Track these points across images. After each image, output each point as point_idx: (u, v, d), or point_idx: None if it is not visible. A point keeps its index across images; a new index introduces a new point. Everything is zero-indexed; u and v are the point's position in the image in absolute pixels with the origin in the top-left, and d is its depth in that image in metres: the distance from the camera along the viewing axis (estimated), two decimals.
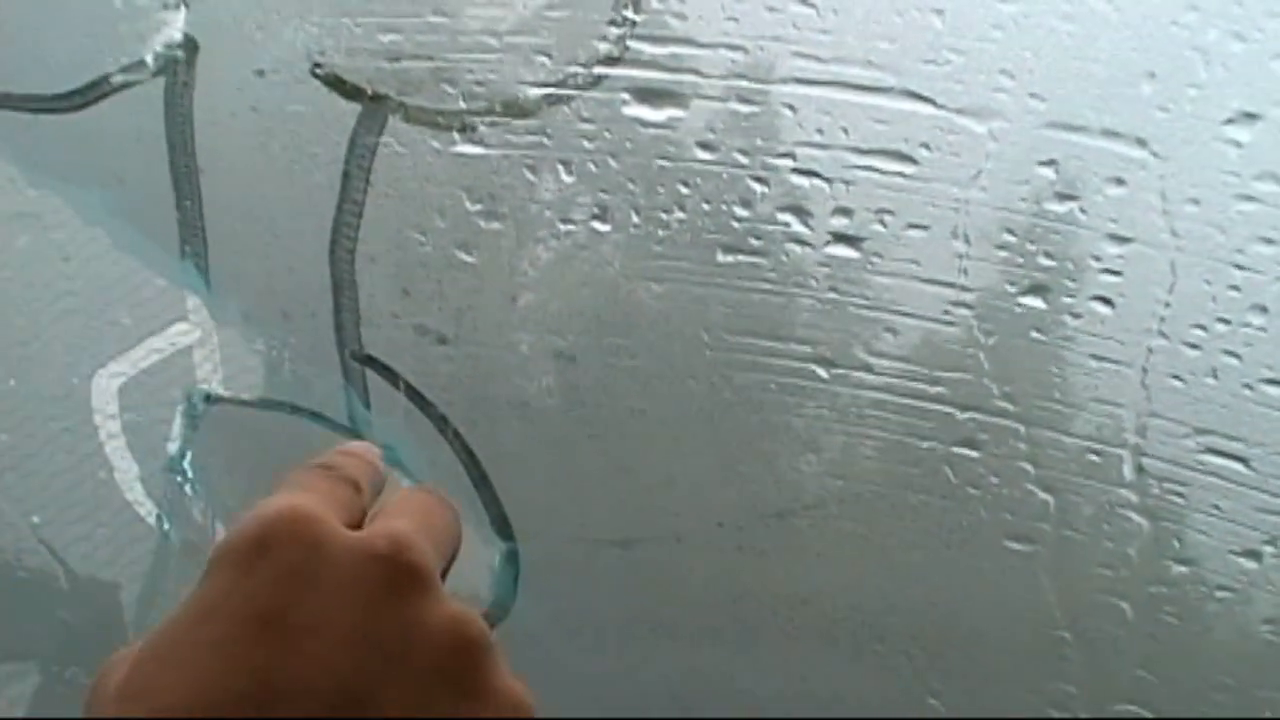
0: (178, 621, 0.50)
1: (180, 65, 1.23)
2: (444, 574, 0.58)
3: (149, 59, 1.24)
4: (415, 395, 1.29)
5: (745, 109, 1.13)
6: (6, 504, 1.39)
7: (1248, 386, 1.12)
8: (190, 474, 1.38)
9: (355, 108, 1.21)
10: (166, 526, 1.38)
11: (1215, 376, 1.12)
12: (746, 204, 1.15)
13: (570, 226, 1.20)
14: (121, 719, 0.47)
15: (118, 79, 1.25)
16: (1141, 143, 1.07)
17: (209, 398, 1.35)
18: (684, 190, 1.16)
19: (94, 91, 1.26)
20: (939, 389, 1.18)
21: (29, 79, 1.28)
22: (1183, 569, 1.18)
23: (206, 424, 1.36)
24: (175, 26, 1.23)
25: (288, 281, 1.29)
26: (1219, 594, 1.18)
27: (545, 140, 1.17)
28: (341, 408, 1.32)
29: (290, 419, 1.34)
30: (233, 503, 1.38)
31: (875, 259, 1.15)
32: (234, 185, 1.28)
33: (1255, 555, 1.16)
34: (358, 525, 0.57)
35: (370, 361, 1.29)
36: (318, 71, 1.20)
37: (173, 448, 1.37)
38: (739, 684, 1.33)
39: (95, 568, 1.41)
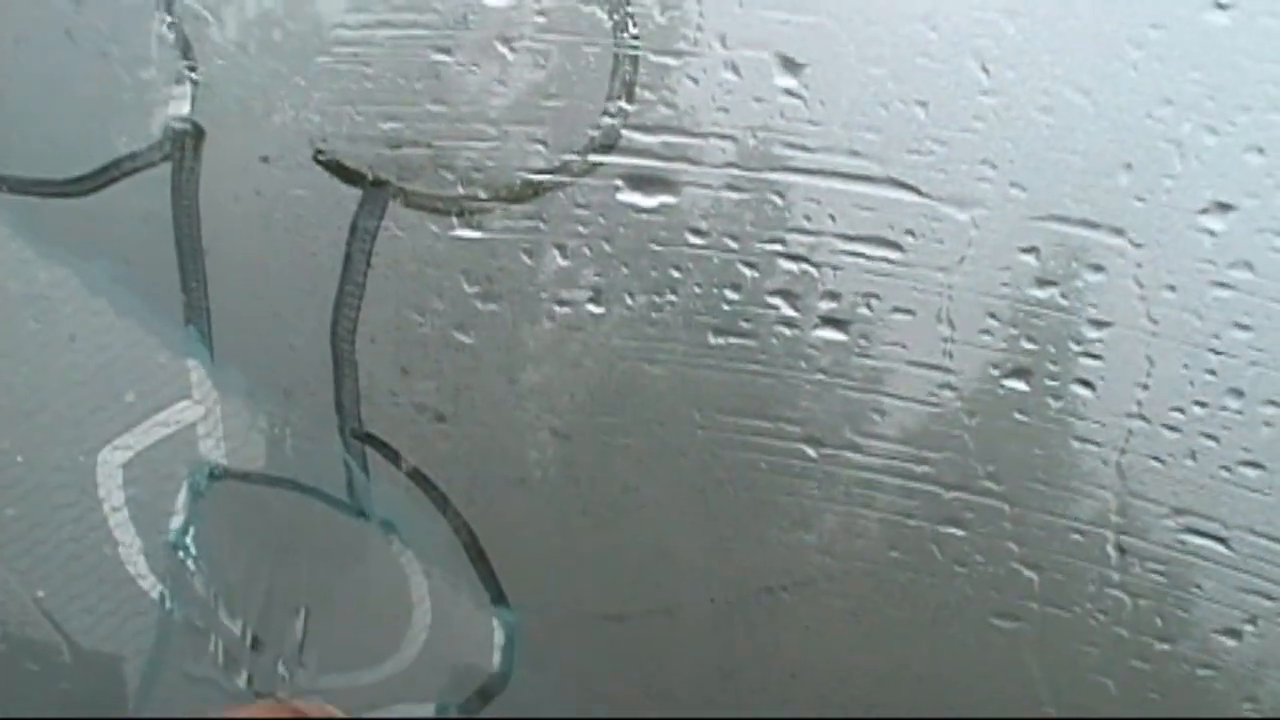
0: None
1: (188, 150, 1.26)
2: None
3: (157, 133, 1.26)
4: (414, 472, 1.31)
5: (736, 196, 1.15)
6: (11, 577, 1.40)
7: (1225, 468, 1.13)
8: (193, 549, 1.39)
9: (357, 192, 1.23)
10: (169, 602, 1.40)
11: (1194, 458, 1.14)
12: (737, 287, 1.17)
13: (565, 308, 1.22)
14: None
15: (127, 164, 1.27)
16: (1119, 231, 1.09)
17: (213, 473, 1.37)
18: (676, 274, 1.18)
19: (104, 176, 1.29)
20: (926, 468, 1.19)
21: (40, 163, 1.31)
22: (1165, 646, 1.19)
23: (210, 499, 1.38)
24: (184, 101, 1.26)
25: (290, 360, 1.31)
26: (1200, 671, 1.19)
27: (541, 225, 1.20)
28: (342, 483, 1.34)
29: (292, 493, 1.36)
30: (234, 577, 1.40)
31: (863, 342, 1.17)
32: (238, 266, 1.30)
33: (1236, 634, 1.17)
34: None
35: (370, 439, 1.31)
36: (320, 157, 1.23)
37: (176, 523, 1.39)
38: None
39: (98, 641, 1.42)
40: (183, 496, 1.38)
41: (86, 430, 1.36)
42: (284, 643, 1.40)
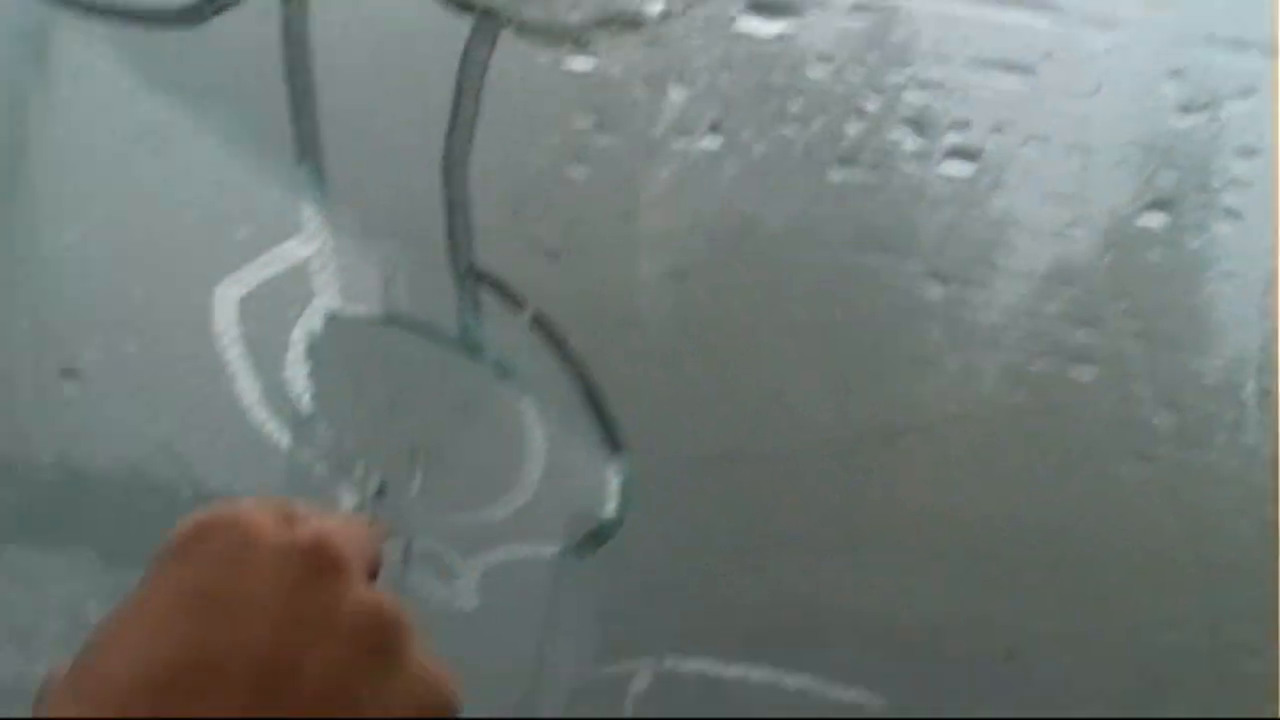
0: (119, 612, 0.54)
1: None
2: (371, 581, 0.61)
3: None
4: (529, 311, 1.31)
5: (861, 22, 1.13)
6: (135, 414, 1.44)
7: None
8: (309, 389, 1.42)
9: (468, 21, 1.22)
10: (286, 442, 1.43)
11: None
12: (860, 118, 1.15)
13: (683, 143, 1.20)
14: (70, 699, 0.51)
15: None
16: (1272, 54, 1.05)
17: (327, 313, 1.38)
18: (798, 105, 1.16)
19: (213, 6, 1.29)
20: (1056, 307, 1.17)
21: None
22: None
23: (324, 339, 1.40)
24: None
25: (402, 196, 1.32)
26: None
27: (657, 55, 1.18)
28: (455, 323, 1.35)
29: (406, 334, 1.37)
30: (350, 417, 1.42)
31: (992, 174, 1.14)
32: (349, 100, 1.30)
33: None
34: None
35: (483, 277, 1.32)
36: None
37: (291, 362, 1.41)
38: (849, 599, 1.35)
39: (220, 481, 1.46)
40: (297, 336, 1.40)
41: (202, 266, 1.38)
42: (401, 483, 1.43)
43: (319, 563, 0.56)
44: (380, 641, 0.55)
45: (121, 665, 0.51)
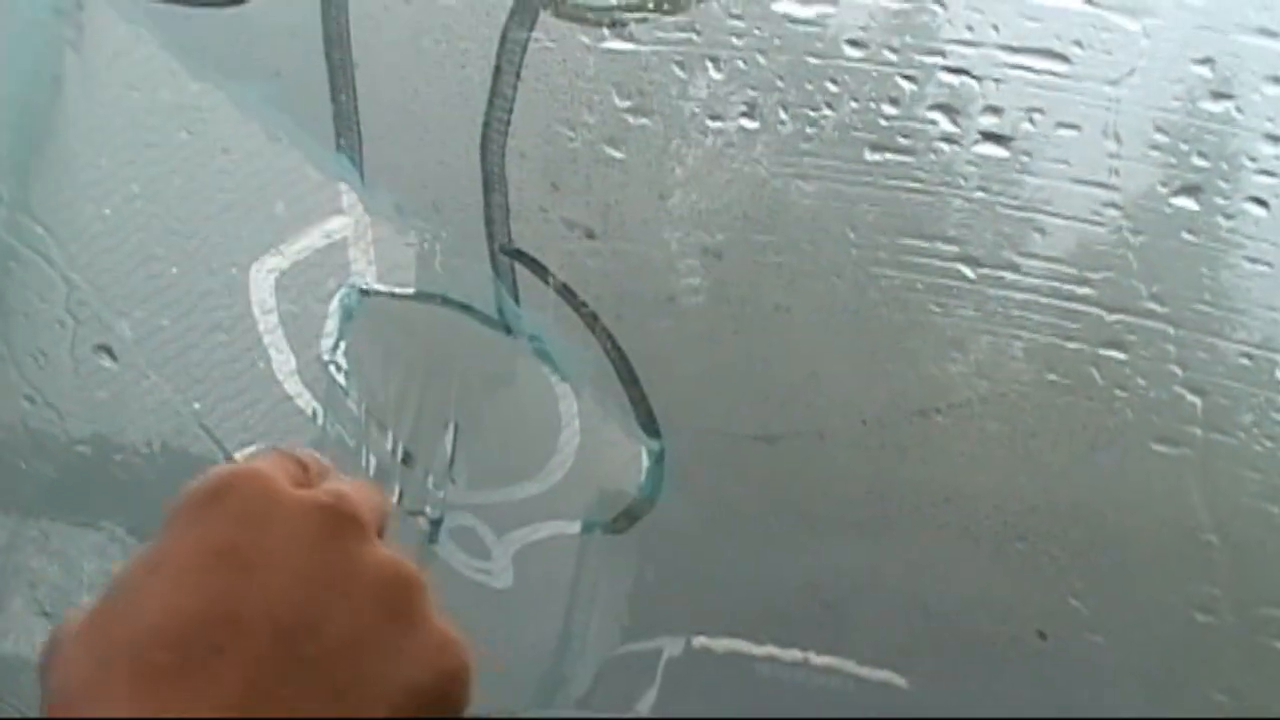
0: (133, 568, 0.55)
1: None
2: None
3: None
4: (564, 290, 1.35)
5: (896, 5, 1.17)
6: (170, 390, 1.48)
7: None
8: (345, 365, 1.46)
9: (507, 2, 1.26)
10: (322, 417, 1.47)
11: None
12: (895, 102, 1.19)
13: (718, 123, 1.24)
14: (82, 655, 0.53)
15: None
16: None
17: (364, 290, 1.42)
18: (833, 88, 1.20)
19: None
20: (1087, 290, 1.21)
21: None
22: None
23: (360, 316, 1.44)
24: None
25: (439, 175, 1.36)
26: None
27: (694, 37, 1.22)
28: (491, 301, 1.40)
29: (442, 311, 1.41)
30: (385, 393, 1.46)
31: (1025, 158, 1.18)
32: (388, 79, 1.34)
33: None
34: None
35: (519, 255, 1.36)
36: None
37: (328, 338, 1.45)
38: (879, 579, 1.38)
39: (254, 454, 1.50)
40: (334, 313, 1.44)
41: (239, 243, 1.42)
42: (433, 458, 1.46)
43: (336, 520, 0.57)
44: (399, 601, 0.56)
45: (140, 618, 0.52)
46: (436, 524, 1.48)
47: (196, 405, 1.49)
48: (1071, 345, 1.23)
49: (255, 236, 1.42)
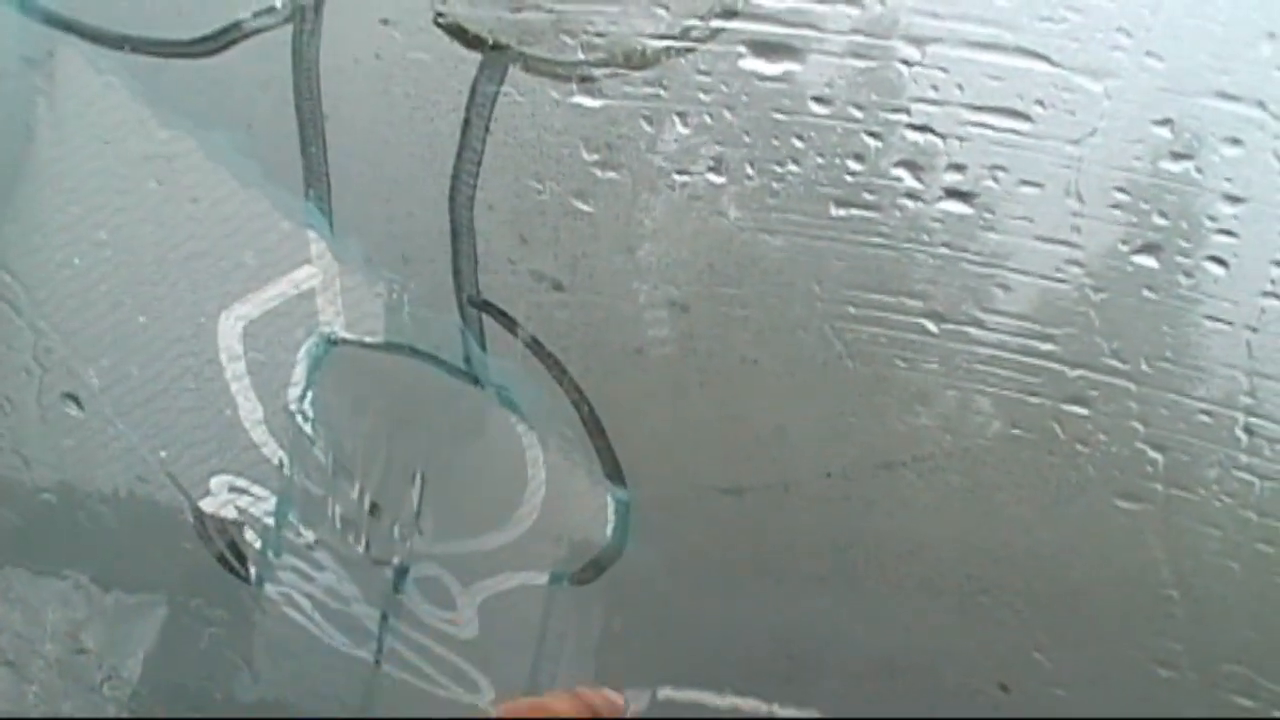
0: None
1: (308, 13, 1.30)
2: None
3: (278, 4, 1.31)
4: (532, 341, 1.35)
5: (861, 64, 1.17)
6: (136, 438, 1.48)
7: None
8: (312, 415, 1.45)
9: (476, 57, 1.27)
10: (288, 467, 1.46)
11: None
12: (860, 158, 1.20)
13: (686, 178, 1.25)
14: None
15: (248, 26, 1.32)
16: (1260, 104, 1.10)
17: (331, 340, 1.42)
18: (799, 144, 1.21)
19: (225, 37, 1.34)
20: (1050, 346, 1.22)
21: (161, 24, 1.36)
22: None
23: (328, 366, 1.44)
24: None
25: (408, 226, 1.36)
26: None
27: (662, 92, 1.23)
28: (459, 351, 1.39)
29: (410, 362, 1.41)
30: (352, 443, 1.45)
31: (988, 215, 1.19)
32: (357, 131, 1.34)
33: None
34: None
35: (487, 307, 1.36)
36: (440, 20, 1.27)
37: (295, 388, 1.44)
38: (844, 631, 1.38)
39: (219, 504, 1.49)
40: (301, 362, 1.43)
41: (207, 292, 1.42)
42: (400, 509, 1.46)
43: None
44: None
45: None
46: (402, 574, 1.47)
47: (163, 453, 1.48)
48: (1034, 400, 1.24)
49: (224, 285, 1.42)
